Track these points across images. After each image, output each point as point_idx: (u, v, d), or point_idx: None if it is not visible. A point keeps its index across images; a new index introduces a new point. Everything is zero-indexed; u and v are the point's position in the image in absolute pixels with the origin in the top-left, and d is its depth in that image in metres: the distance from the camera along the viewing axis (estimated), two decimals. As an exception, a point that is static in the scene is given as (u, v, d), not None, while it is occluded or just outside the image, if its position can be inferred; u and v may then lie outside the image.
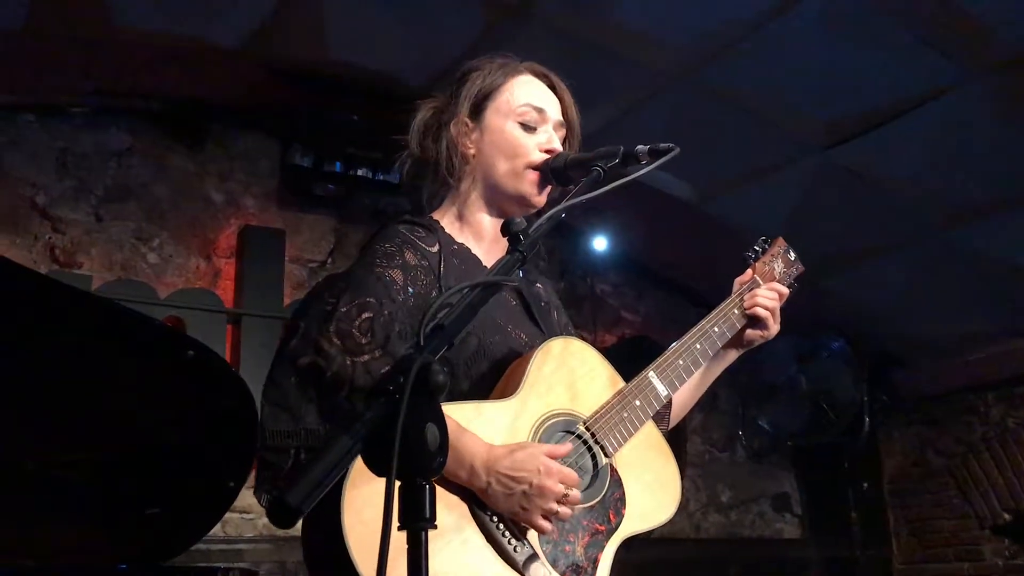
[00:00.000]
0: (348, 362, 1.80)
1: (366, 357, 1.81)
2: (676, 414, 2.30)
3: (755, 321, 2.26)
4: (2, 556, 2.37)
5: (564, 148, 2.17)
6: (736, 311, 2.27)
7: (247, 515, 5.02)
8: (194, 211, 5.42)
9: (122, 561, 2.56)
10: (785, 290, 2.32)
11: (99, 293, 4.72)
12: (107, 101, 5.22)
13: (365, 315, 1.86)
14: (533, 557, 1.82)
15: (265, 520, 5.05)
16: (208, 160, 5.52)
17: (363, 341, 1.82)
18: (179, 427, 2.61)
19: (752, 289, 2.30)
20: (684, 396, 2.29)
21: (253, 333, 5.21)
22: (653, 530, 2.03)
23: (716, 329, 2.23)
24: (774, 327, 2.27)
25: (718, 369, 2.34)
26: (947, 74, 4.39)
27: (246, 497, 5.28)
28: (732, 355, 2.34)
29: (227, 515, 4.59)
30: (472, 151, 2.14)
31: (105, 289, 4.88)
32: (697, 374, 2.24)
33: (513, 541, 1.81)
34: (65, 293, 2.59)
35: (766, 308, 2.24)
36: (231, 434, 2.48)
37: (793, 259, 2.46)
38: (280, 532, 5.04)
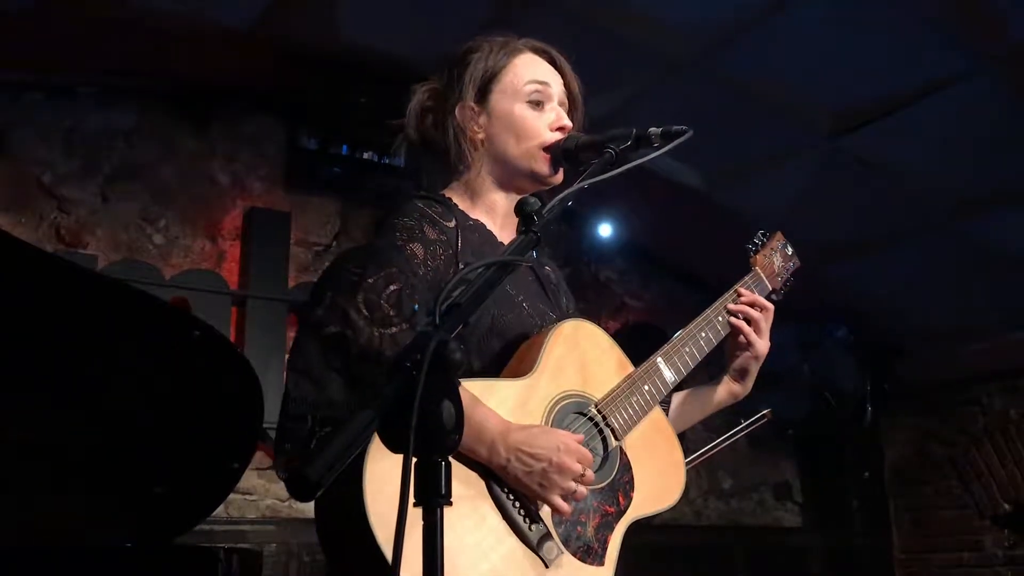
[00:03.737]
0: (376, 333, 1.78)
1: (394, 329, 1.80)
2: (678, 425, 2.32)
3: (737, 336, 2.23)
4: (8, 535, 2.38)
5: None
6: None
7: (250, 496, 5.03)
8: (200, 192, 5.41)
9: (126, 540, 2.57)
10: (770, 305, 2.27)
11: (105, 273, 4.72)
12: (115, 81, 5.20)
13: (392, 287, 1.85)
14: (547, 536, 1.83)
15: (268, 501, 5.06)
16: (214, 141, 5.51)
17: (391, 313, 1.81)
18: (184, 407, 2.62)
19: (753, 285, 2.29)
20: (687, 413, 2.36)
21: (257, 315, 5.22)
22: (657, 514, 2.04)
23: (721, 318, 2.23)
24: (760, 343, 2.22)
25: (722, 400, 2.33)
26: (957, 63, 4.38)
27: (250, 478, 5.28)
28: (735, 387, 2.30)
29: (230, 496, 4.61)
30: (481, 136, 2.13)
31: (110, 269, 4.88)
32: (705, 390, 2.30)
33: (527, 519, 1.82)
34: (72, 272, 2.60)
35: (748, 317, 2.21)
36: (236, 415, 2.48)
37: (790, 254, 2.44)
38: (283, 513, 5.06)
